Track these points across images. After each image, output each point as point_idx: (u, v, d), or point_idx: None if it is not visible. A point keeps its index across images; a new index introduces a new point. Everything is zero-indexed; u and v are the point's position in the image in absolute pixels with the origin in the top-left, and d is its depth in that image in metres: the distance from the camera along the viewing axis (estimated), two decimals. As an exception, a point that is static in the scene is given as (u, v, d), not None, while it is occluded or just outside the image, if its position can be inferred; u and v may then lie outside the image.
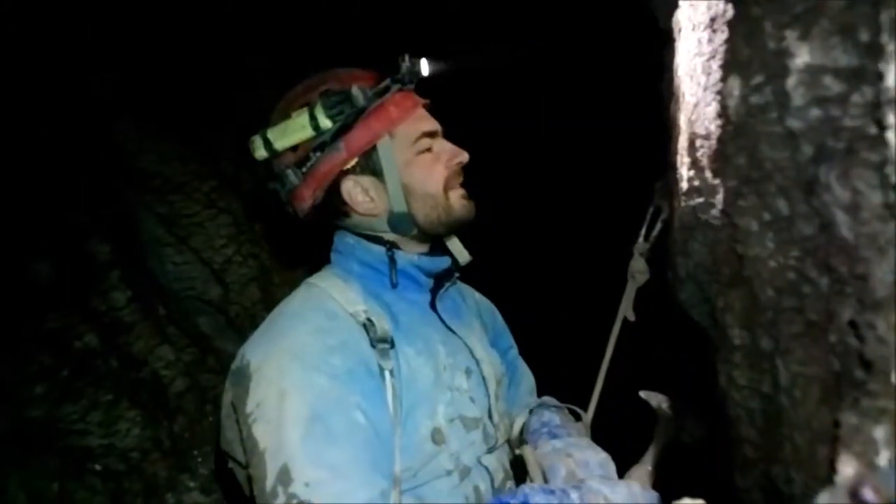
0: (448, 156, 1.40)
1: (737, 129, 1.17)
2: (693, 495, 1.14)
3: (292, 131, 1.22)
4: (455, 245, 1.45)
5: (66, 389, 2.71)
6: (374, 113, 1.28)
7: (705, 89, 1.48)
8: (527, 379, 1.91)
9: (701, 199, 1.64)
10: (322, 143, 1.25)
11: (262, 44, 3.56)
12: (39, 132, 2.86)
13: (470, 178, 1.44)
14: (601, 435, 1.62)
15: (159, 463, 2.79)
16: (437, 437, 1.30)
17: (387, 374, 1.23)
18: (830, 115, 0.93)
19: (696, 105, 1.58)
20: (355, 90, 1.23)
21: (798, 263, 1.16)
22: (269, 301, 3.28)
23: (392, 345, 1.26)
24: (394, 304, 1.35)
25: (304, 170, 1.26)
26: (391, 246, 1.36)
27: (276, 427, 1.12)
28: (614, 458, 1.40)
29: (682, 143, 1.69)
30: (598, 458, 1.26)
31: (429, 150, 1.37)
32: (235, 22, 3.46)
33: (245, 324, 3.21)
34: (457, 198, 1.41)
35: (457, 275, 1.49)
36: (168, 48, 3.20)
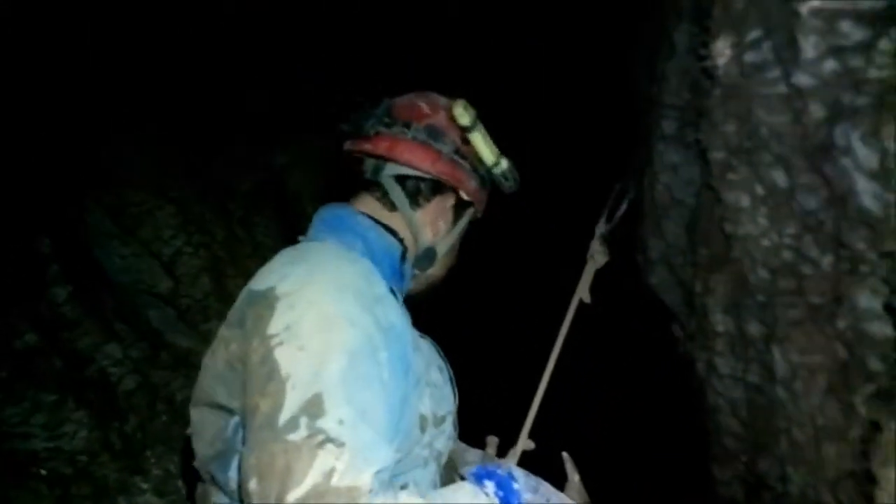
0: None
1: (726, 92, 1.01)
2: (676, 485, 0.99)
3: (485, 144, 1.37)
4: None
5: (6, 391, 2.45)
6: (488, 194, 1.46)
7: (687, 52, 1.32)
8: None
9: (677, 176, 1.49)
10: (475, 167, 1.38)
11: (242, 37, 3.31)
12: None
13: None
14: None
15: (109, 465, 2.55)
16: (423, 424, 1.20)
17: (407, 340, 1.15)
18: (849, 66, 0.78)
19: (672, 71, 1.42)
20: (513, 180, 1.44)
21: (795, 241, 1.00)
22: (223, 293, 3.04)
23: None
24: None
25: (453, 156, 1.35)
26: (403, 244, 1.32)
27: (312, 354, 0.95)
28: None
29: (655, 115, 1.54)
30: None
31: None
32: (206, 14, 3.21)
33: (197, 317, 2.97)
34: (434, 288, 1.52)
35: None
36: (129, 38, 2.94)
